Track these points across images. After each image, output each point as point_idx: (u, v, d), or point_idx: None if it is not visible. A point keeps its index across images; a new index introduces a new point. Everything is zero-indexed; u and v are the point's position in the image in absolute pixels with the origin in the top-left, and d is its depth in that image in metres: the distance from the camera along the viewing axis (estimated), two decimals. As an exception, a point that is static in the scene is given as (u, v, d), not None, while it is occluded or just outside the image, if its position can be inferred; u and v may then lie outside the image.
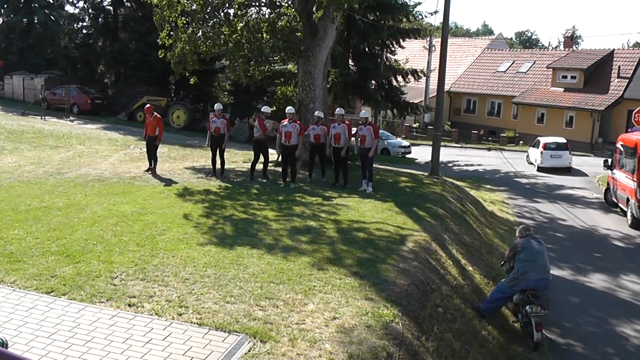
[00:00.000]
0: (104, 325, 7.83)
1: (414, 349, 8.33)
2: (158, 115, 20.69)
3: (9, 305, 8.37)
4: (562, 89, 49.62)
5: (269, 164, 20.59)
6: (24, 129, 30.62)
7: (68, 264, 10.00)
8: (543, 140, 36.74)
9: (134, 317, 8.07)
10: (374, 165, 19.57)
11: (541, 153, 35.61)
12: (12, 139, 26.54)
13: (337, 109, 19.82)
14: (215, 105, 20.92)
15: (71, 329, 7.69)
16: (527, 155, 39.79)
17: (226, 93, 49.17)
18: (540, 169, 35.58)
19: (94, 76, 52.04)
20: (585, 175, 33.93)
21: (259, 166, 20.09)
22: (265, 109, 20.67)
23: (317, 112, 20.25)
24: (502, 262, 12.72)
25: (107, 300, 8.58)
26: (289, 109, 19.29)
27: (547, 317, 11.38)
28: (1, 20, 55.91)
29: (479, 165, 38.11)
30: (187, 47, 22.71)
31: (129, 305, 8.45)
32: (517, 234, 12.23)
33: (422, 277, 10.94)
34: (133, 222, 13.05)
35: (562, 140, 36.92)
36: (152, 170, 20.17)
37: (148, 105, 21.17)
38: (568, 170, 35.07)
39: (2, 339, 5.76)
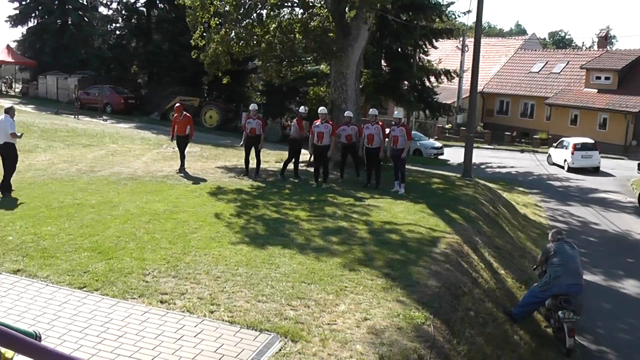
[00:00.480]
0: (135, 321, 7.86)
1: (445, 352, 8.27)
2: (188, 114, 20.74)
3: (42, 299, 8.45)
4: (596, 90, 48.99)
5: (301, 164, 20.59)
6: (57, 127, 30.98)
7: (100, 260, 10.08)
8: (572, 141, 37.11)
9: (166, 314, 8.10)
10: (406, 167, 19.46)
11: (572, 154, 35.96)
12: (45, 137, 26.87)
13: (371, 109, 19.70)
14: (251, 105, 20.92)
15: (103, 324, 7.74)
16: (549, 157, 39.84)
17: (258, 93, 49.35)
18: (570, 170, 35.82)
19: (127, 76, 52.59)
20: (618, 178, 33.48)
21: (290, 166, 20.10)
22: (302, 109, 20.66)
23: (347, 112, 20.18)
24: (535, 266, 12.59)
25: (139, 297, 8.63)
26: (322, 109, 19.26)
27: (579, 323, 11.25)
28: (35, 22, 56.62)
29: (512, 167, 37.81)
30: (220, 48, 22.79)
31: (161, 302, 8.48)
32: (549, 238, 12.09)
33: (454, 280, 10.85)
34: (165, 220, 13.11)
35: (591, 140, 37.54)
36: (182, 169, 20.24)
37: (178, 105, 21.26)
38: (597, 170, 35.54)
39: (35, 332, 5.81)
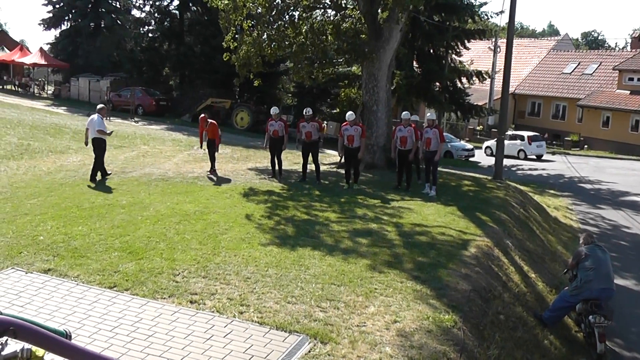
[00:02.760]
0: (165, 320, 7.90)
1: (475, 355, 8.18)
2: (213, 122, 20.71)
3: (73, 298, 8.53)
4: (628, 92, 48.31)
5: (331, 166, 20.53)
6: (90, 129, 31.18)
7: (131, 260, 10.15)
8: (526, 134, 43.36)
9: (196, 314, 8.13)
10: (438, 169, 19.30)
11: (529, 144, 42.40)
12: (77, 139, 27.07)
13: (404, 112, 19.52)
14: (272, 109, 20.81)
15: (133, 324, 7.78)
16: (487, 147, 43.84)
17: (290, 95, 49.44)
18: (527, 158, 42.10)
19: (159, 78, 52.91)
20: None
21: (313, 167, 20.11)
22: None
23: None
24: (565, 270, 12.43)
25: (169, 297, 8.66)
26: (350, 114, 19.12)
27: (611, 328, 11.08)
28: (69, 25, 57.15)
29: (543, 169, 37.44)
30: (252, 50, 22.87)
31: (191, 302, 8.51)
32: (580, 241, 11.94)
33: (484, 284, 10.76)
34: (196, 221, 13.17)
35: (537, 133, 45.41)
36: (213, 171, 20.31)
37: (202, 115, 21.23)
38: (540, 157, 42.77)
39: (65, 331, 5.85)
